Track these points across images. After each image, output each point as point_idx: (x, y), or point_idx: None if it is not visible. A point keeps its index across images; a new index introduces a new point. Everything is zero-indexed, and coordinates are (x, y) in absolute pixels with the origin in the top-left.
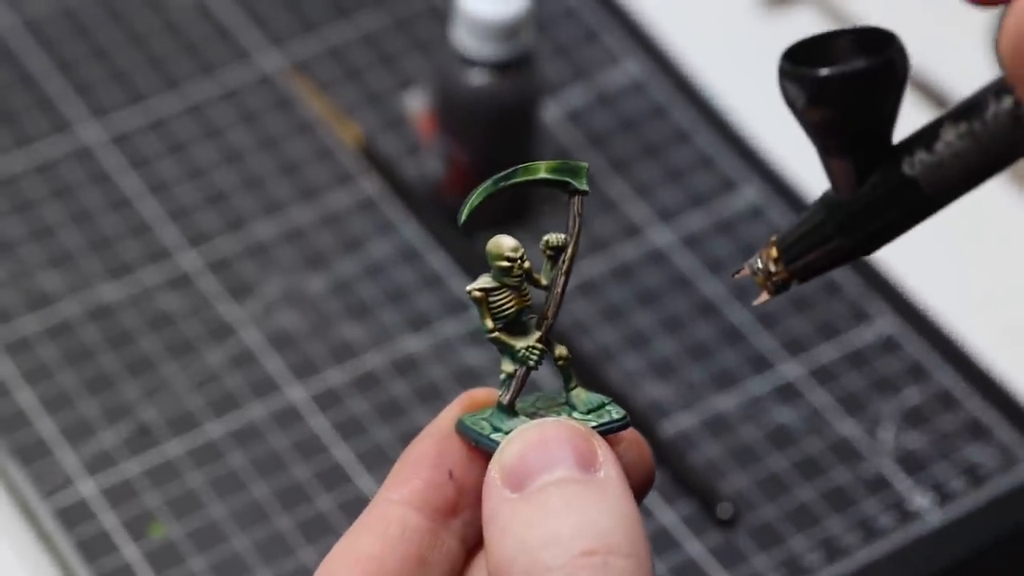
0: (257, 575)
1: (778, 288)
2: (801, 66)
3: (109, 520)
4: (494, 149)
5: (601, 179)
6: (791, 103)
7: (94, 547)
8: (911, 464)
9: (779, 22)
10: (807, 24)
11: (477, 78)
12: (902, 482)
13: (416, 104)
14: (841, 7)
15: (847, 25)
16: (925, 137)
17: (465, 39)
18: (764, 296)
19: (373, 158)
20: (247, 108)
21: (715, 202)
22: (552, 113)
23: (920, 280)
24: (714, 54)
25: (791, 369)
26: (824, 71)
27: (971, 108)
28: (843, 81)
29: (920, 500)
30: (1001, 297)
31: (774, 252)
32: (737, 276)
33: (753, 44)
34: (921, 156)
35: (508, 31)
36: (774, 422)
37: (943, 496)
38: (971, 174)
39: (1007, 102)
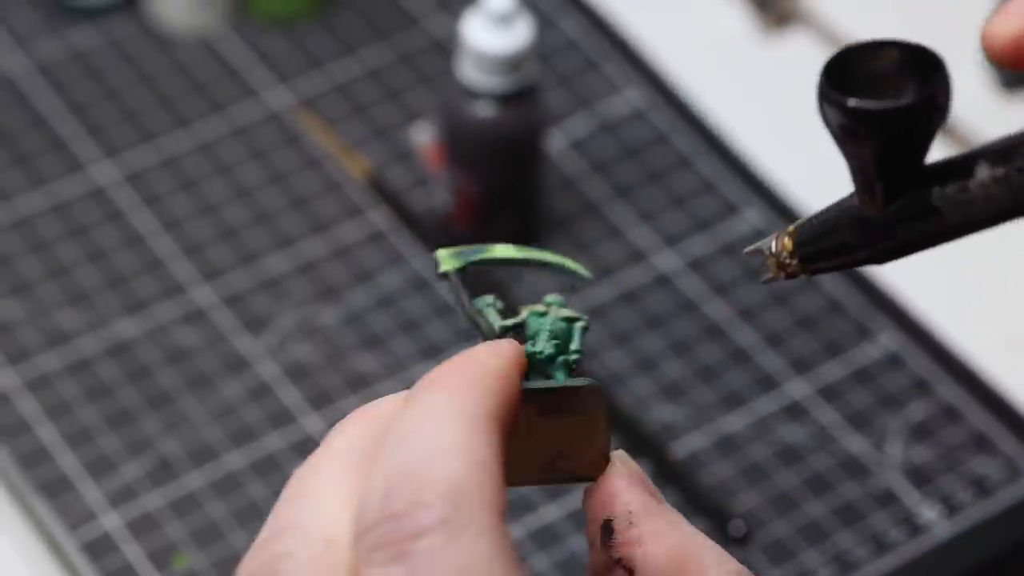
0: None
1: (789, 276)
2: (837, 87)
3: (133, 552)
4: (501, 179)
5: (606, 206)
6: (826, 121)
7: None
8: (918, 478)
9: (777, 47)
10: (805, 49)
11: (483, 110)
12: (910, 496)
13: (423, 137)
14: (839, 31)
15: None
16: (959, 172)
17: (470, 72)
18: (774, 275)
19: (382, 191)
20: (256, 145)
21: (719, 226)
22: (557, 142)
23: (922, 296)
24: (714, 80)
25: (798, 388)
26: (858, 103)
27: (1009, 153)
28: (881, 115)
29: (928, 513)
30: (1002, 310)
31: (789, 244)
32: (748, 253)
33: (752, 69)
34: (952, 190)
35: (512, 64)
36: (782, 440)
37: (951, 509)
38: (999, 216)
39: None
